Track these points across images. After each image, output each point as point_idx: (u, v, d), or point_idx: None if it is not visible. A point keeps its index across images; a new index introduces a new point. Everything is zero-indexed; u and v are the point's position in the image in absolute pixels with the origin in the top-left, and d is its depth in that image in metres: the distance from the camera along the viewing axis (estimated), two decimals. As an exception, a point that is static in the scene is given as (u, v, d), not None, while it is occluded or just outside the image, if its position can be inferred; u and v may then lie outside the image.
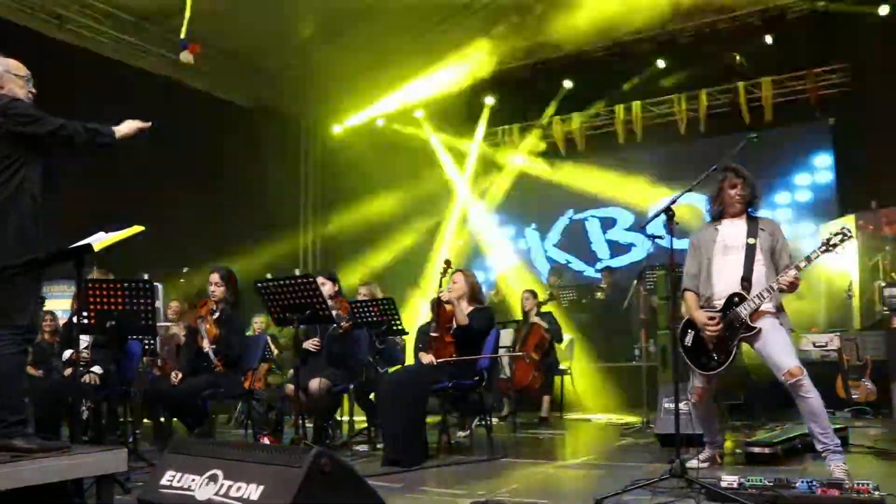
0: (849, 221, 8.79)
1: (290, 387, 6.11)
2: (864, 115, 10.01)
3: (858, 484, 3.57)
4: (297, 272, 11.27)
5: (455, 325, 5.83)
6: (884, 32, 9.82)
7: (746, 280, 4.46)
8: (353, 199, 13.09)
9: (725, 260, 4.59)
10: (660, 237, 6.53)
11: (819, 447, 4.19)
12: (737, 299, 4.43)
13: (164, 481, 2.95)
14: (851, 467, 4.12)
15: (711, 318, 4.48)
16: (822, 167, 10.98)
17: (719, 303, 4.53)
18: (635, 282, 7.93)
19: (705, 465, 4.69)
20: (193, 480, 2.84)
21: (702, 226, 4.94)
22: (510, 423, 7.56)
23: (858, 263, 9.16)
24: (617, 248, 12.87)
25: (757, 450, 4.91)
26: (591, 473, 5.02)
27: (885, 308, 7.29)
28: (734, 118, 11.30)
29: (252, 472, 2.70)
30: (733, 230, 4.64)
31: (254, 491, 2.63)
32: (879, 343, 7.54)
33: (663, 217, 4.32)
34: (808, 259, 4.27)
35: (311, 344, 6.46)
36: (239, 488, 2.67)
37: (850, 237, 4.21)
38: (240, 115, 12.36)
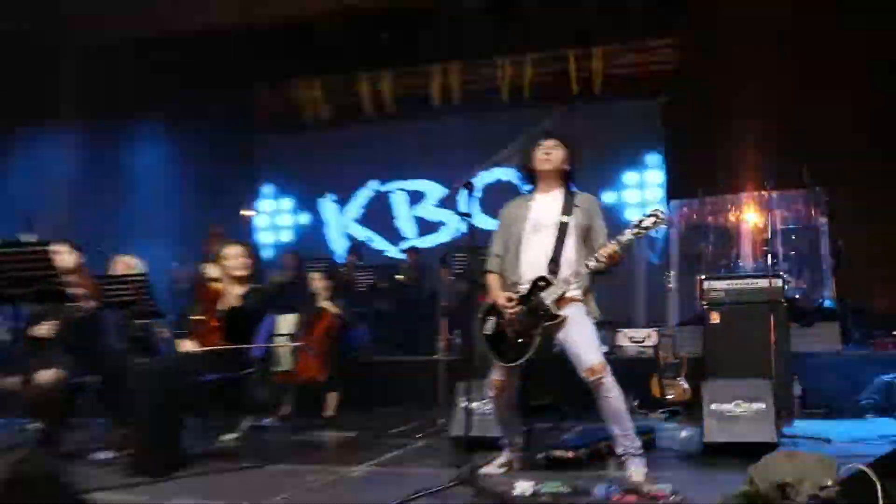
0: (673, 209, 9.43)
1: (10, 381, 5.68)
2: (696, 97, 10.68)
3: (657, 489, 3.82)
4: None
5: (223, 308, 5.67)
6: (719, 5, 10.55)
7: (554, 262, 4.55)
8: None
9: (535, 239, 4.67)
10: (467, 215, 6.73)
11: (619, 450, 4.40)
12: (542, 283, 4.51)
13: None
14: (653, 471, 4.37)
15: (510, 300, 4.56)
16: (650, 148, 11.66)
17: (525, 287, 4.61)
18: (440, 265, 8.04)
19: (501, 470, 4.80)
20: None
21: (512, 200, 5.01)
22: (289, 424, 7.47)
23: (678, 254, 9.86)
24: (425, 227, 13.09)
25: (558, 454, 5.10)
26: (376, 481, 5.07)
27: (705, 303, 7.82)
28: (562, 88, 11.76)
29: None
30: (546, 206, 4.74)
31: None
32: (697, 340, 8.09)
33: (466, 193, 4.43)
34: (619, 241, 4.39)
35: (43, 329, 6.04)
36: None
37: (664, 220, 4.39)
38: None
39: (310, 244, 12.94)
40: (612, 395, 4.35)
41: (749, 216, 9.94)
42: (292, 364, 7.52)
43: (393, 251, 13.23)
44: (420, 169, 13.18)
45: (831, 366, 7.95)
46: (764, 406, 5.37)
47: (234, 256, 5.93)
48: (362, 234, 13.46)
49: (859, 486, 3.37)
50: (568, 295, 4.52)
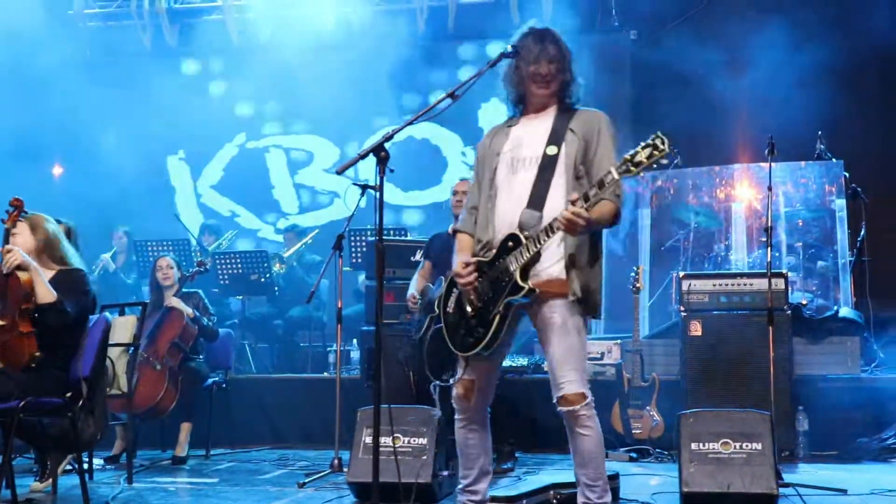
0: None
1: None
2: (679, 30, 10.95)
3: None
4: None
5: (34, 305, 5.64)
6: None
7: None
8: None
9: (513, 181, 4.57)
10: (373, 188, 6.78)
11: (580, 500, 4.47)
12: (510, 244, 4.40)
13: None
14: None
15: (466, 265, 4.48)
16: (617, 100, 11.85)
17: (493, 252, 4.51)
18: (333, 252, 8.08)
19: None
20: None
21: (492, 128, 4.91)
22: (123, 467, 7.47)
23: (650, 244, 10.09)
24: (312, 199, 13.15)
25: (494, 508, 5.23)
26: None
27: (682, 308, 8.06)
28: (497, 15, 11.91)
29: None
30: (529, 133, 4.63)
31: None
32: (671, 357, 8.33)
33: (373, 159, 4.37)
34: (601, 183, 4.13)
35: None
36: None
37: (664, 150, 4.05)
38: None
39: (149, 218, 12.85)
40: (588, 432, 4.40)
41: (743, 194, 10.23)
42: (130, 384, 7.49)
43: (267, 231, 13.25)
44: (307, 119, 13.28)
45: (848, 393, 8.23)
46: (760, 446, 5.56)
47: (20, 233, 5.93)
48: (224, 206, 13.44)
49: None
50: (548, 270, 4.42)
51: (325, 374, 10.03)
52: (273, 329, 10.97)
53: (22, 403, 5.40)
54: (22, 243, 5.81)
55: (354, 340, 9.50)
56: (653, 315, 9.89)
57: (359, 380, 8.55)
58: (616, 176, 4.09)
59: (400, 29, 12.56)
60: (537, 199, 4.40)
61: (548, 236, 4.25)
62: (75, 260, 6.11)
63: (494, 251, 4.44)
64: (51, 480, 6.56)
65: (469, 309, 4.48)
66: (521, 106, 4.70)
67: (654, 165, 4.07)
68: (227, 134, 13.62)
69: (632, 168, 4.05)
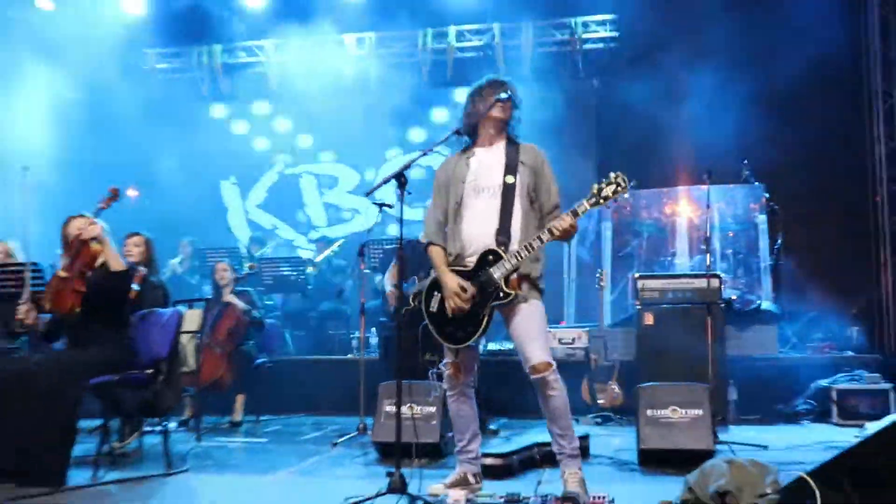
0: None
1: None
2: (631, 80, 11.01)
3: (594, 497, 4.08)
4: None
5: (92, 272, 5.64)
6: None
7: (502, 232, 4.54)
8: None
9: (477, 204, 4.64)
10: (388, 206, 6.89)
11: (555, 448, 4.56)
12: (491, 258, 4.50)
13: None
14: (589, 479, 4.61)
15: (463, 289, 4.52)
16: (583, 139, 11.90)
17: (471, 260, 4.60)
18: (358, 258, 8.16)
19: (457, 494, 4.50)
20: None
21: (448, 157, 4.95)
22: (192, 429, 7.55)
23: (611, 250, 10.19)
24: (337, 215, 13.23)
25: (489, 461, 5.30)
26: (296, 489, 5.22)
27: (638, 302, 8.17)
28: (487, 65, 11.98)
29: None
30: (488, 163, 4.69)
31: None
32: (629, 342, 8.43)
33: (394, 184, 4.51)
34: (575, 212, 4.36)
35: None
36: None
37: (626, 187, 4.37)
38: None
39: (208, 231, 12.92)
40: (555, 393, 4.48)
41: (684, 211, 10.32)
42: (196, 364, 7.58)
43: (301, 240, 13.33)
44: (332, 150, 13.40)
45: (768, 369, 8.40)
46: (701, 412, 5.68)
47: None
48: (267, 221, 13.52)
49: (799, 494, 3.67)
50: (522, 272, 4.52)
51: (349, 355, 10.08)
52: (307, 320, 10.99)
53: (117, 378, 5.51)
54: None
55: (373, 329, 9.55)
56: (614, 308, 9.95)
57: (377, 360, 8.59)
58: (588, 207, 4.38)
59: (407, 77, 12.63)
60: (505, 223, 4.55)
61: (528, 252, 4.44)
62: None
63: (473, 262, 4.57)
64: (131, 439, 6.67)
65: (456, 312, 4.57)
66: (474, 137, 4.79)
67: (617, 199, 4.40)
68: (268, 163, 13.68)
69: (601, 200, 4.38)
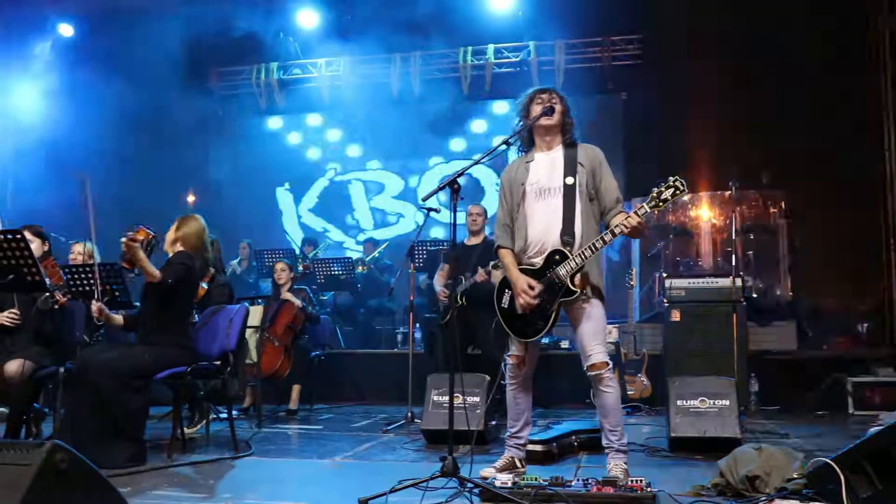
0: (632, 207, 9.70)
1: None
2: (657, 93, 11.01)
3: (633, 481, 4.08)
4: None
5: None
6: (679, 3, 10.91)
7: (567, 233, 4.52)
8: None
9: (540, 206, 4.63)
10: (436, 210, 6.91)
11: (604, 443, 4.61)
12: (557, 257, 4.50)
13: None
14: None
15: (531, 287, 4.52)
16: (614, 145, 11.91)
17: (538, 260, 4.59)
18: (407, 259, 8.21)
19: (505, 476, 4.39)
20: None
21: (511, 163, 4.94)
22: (253, 416, 7.62)
23: (639, 252, 10.15)
24: (383, 219, 13.29)
25: (531, 447, 5.32)
26: (352, 472, 5.26)
27: (665, 300, 8.15)
28: (522, 80, 11.99)
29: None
30: (548, 166, 4.67)
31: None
32: (657, 337, 8.43)
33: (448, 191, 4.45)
34: (636, 214, 4.33)
35: (6, 317, 6.07)
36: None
37: (684, 190, 4.28)
38: None
39: (265, 233, 13.04)
40: (610, 390, 4.52)
41: (706, 215, 10.28)
42: (257, 356, 7.66)
43: (350, 242, 13.41)
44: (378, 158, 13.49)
45: (787, 363, 8.34)
46: (728, 402, 5.67)
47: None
48: (318, 224, 13.61)
49: (824, 479, 3.65)
50: (586, 271, 4.50)
51: (395, 349, 10.14)
52: (356, 316, 11.07)
53: (189, 369, 5.58)
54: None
55: (418, 324, 9.61)
56: (643, 305, 9.95)
57: (422, 354, 8.62)
58: (648, 209, 4.34)
59: (448, 90, 12.67)
60: (568, 223, 4.53)
61: (592, 252, 4.43)
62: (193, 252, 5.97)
63: (539, 262, 4.57)
64: (200, 425, 6.76)
65: (527, 307, 4.57)
66: (532, 145, 4.80)
67: (676, 201, 4.32)
68: (320, 170, 13.76)
69: (660, 203, 4.32)
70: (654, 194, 4.31)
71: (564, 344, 8.86)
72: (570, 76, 11.87)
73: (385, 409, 8.41)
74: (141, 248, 5.46)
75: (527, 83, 11.44)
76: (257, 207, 13.43)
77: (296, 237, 13.11)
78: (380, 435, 6.74)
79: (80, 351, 5.98)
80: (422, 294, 10.04)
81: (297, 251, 11.85)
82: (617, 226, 4.39)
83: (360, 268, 11.07)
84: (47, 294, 5.91)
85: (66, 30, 12.93)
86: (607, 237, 4.42)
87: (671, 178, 4.29)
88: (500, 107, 12.80)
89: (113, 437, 5.19)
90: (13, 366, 5.68)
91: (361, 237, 13.07)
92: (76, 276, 6.41)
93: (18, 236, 5.24)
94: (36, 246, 6.12)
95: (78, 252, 7.21)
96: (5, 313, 6.05)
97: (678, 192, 4.28)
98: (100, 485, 2.69)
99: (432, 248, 9.33)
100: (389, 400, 8.89)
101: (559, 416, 7.68)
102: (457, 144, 13.19)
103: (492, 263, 6.93)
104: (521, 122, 4.74)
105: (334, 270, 10.59)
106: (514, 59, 12.46)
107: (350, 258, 11.10)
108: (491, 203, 10.84)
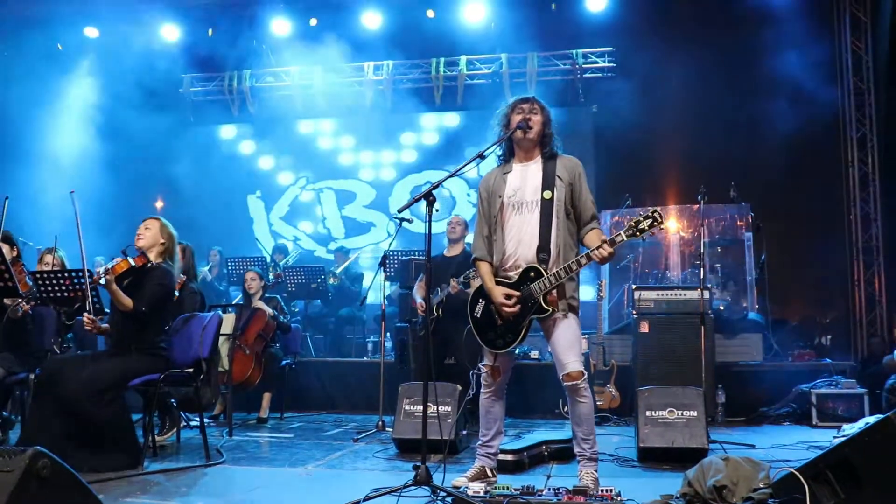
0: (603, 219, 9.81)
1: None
2: (628, 105, 11.13)
3: (603, 490, 4.15)
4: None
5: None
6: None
7: (542, 249, 4.52)
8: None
9: (517, 220, 4.63)
10: (408, 220, 6.95)
11: (577, 450, 4.65)
12: (532, 274, 4.51)
13: None
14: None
15: (508, 297, 4.53)
16: (582, 160, 12.01)
17: (512, 274, 4.61)
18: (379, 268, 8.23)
19: (475, 485, 4.39)
20: None
21: (489, 172, 4.90)
22: (224, 424, 7.60)
23: (609, 264, 10.24)
24: (354, 228, 13.32)
25: (502, 457, 5.36)
26: (325, 481, 5.27)
27: (634, 311, 8.25)
28: (493, 90, 12.11)
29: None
30: (525, 179, 4.65)
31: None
32: (626, 348, 8.52)
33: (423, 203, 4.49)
34: (613, 241, 4.33)
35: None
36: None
37: (661, 222, 4.30)
38: None
39: (235, 241, 13.03)
40: (585, 400, 4.55)
41: (677, 227, 10.42)
42: (228, 364, 7.66)
43: (321, 251, 13.41)
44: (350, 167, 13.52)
45: (753, 375, 8.47)
46: (696, 413, 5.76)
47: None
48: (290, 232, 13.61)
49: (789, 488, 3.74)
50: (557, 290, 4.51)
51: (366, 358, 10.16)
52: (327, 324, 11.09)
53: (162, 377, 5.58)
54: (150, 236, 5.87)
55: (388, 333, 9.64)
56: (612, 317, 10.04)
57: (393, 363, 8.65)
58: (625, 238, 4.34)
59: (421, 101, 12.78)
60: (544, 239, 4.53)
61: (566, 273, 4.45)
62: (173, 263, 5.95)
63: (515, 276, 4.59)
64: (171, 432, 6.74)
65: (498, 317, 4.62)
66: (511, 155, 4.77)
67: (653, 232, 4.37)
68: (291, 178, 13.77)
69: (637, 233, 4.33)
70: (633, 223, 4.32)
71: (535, 354, 8.92)
72: (541, 88, 11.97)
73: (355, 418, 8.42)
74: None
75: (499, 95, 11.70)
76: (228, 215, 13.41)
77: (267, 245, 13.10)
78: (351, 444, 6.75)
79: (50, 358, 5.98)
80: (393, 303, 10.07)
81: (268, 259, 11.85)
82: (590, 252, 4.39)
83: (332, 279, 11.08)
84: (20, 300, 5.89)
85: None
86: (583, 260, 4.42)
87: (650, 209, 4.31)
88: (472, 117, 12.81)
89: (96, 446, 5.22)
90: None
91: (332, 246, 13.06)
92: (46, 283, 6.39)
93: (-8, 243, 5.22)
94: (5, 251, 6.09)
95: (46, 262, 7.18)
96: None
97: (655, 223, 4.28)
98: (81, 492, 2.70)
99: (404, 257, 9.38)
100: (360, 409, 8.91)
101: (530, 426, 7.73)
102: (422, 155, 13.31)
103: (469, 272, 6.99)
104: (501, 132, 4.72)
105: (305, 279, 10.60)
106: (486, 71, 12.55)
107: (322, 267, 11.11)
108: (462, 213, 10.91)
